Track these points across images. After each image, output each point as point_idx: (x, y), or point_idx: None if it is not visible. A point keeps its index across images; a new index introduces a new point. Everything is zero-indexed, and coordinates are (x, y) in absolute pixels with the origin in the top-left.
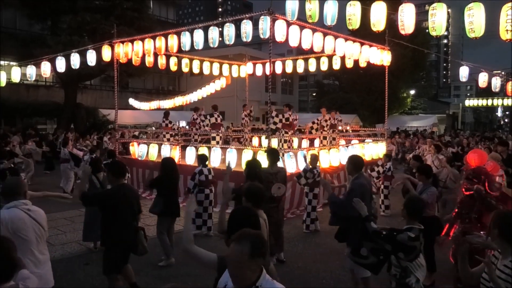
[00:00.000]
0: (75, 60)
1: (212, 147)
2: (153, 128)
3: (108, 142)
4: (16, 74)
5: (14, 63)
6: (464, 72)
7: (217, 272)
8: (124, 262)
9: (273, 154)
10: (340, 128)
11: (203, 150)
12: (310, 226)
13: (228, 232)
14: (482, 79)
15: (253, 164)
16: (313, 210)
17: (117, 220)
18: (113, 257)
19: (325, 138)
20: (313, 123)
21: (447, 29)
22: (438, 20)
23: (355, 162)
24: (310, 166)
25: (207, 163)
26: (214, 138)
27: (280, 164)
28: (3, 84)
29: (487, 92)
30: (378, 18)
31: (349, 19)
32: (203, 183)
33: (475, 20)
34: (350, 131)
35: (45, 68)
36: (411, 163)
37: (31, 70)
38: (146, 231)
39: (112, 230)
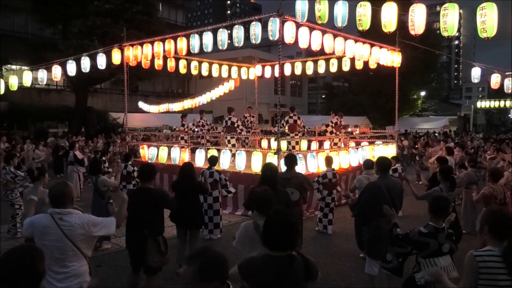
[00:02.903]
0: (86, 63)
1: (222, 149)
2: (168, 130)
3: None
4: (27, 78)
5: (26, 67)
6: (476, 73)
7: (245, 281)
8: (135, 267)
9: (289, 159)
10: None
11: (213, 152)
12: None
13: (265, 242)
14: (495, 80)
15: (265, 168)
16: (320, 210)
17: (126, 224)
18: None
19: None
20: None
21: (458, 30)
22: (449, 20)
23: (379, 163)
24: (326, 168)
25: (215, 165)
26: (229, 141)
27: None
28: (15, 88)
29: (499, 93)
30: (389, 19)
31: (359, 20)
32: None
33: (487, 20)
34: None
35: (56, 72)
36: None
37: (42, 74)
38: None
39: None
